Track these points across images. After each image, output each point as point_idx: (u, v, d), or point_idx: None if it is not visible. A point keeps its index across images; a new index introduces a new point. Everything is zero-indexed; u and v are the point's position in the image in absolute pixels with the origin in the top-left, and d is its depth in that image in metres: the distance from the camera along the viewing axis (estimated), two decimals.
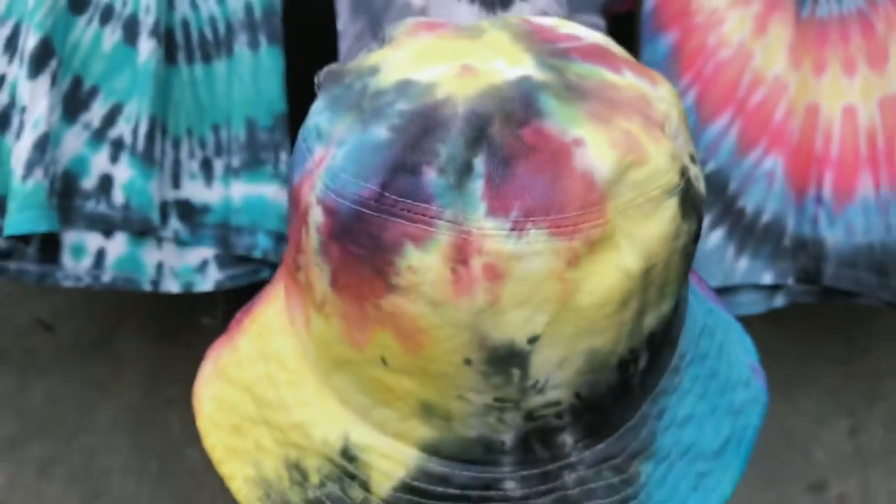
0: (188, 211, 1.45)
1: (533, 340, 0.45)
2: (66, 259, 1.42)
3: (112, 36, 1.39)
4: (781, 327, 2.05)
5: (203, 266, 1.46)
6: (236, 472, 0.53)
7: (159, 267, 1.45)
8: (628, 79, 0.48)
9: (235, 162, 1.45)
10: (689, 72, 1.44)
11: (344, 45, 1.40)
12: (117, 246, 1.42)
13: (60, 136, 1.38)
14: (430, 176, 0.44)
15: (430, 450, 0.49)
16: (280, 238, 1.46)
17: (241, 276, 1.48)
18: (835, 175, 1.43)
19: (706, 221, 1.44)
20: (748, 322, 2.04)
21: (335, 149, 0.46)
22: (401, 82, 0.47)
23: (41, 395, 2.04)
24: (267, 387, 0.53)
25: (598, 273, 0.45)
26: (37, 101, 1.33)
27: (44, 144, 1.34)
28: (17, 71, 1.36)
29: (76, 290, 2.01)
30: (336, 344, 0.48)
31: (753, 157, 1.43)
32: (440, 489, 0.49)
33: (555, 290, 0.44)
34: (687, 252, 0.48)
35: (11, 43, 1.36)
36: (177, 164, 1.45)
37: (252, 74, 1.45)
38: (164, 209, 1.44)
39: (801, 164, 1.43)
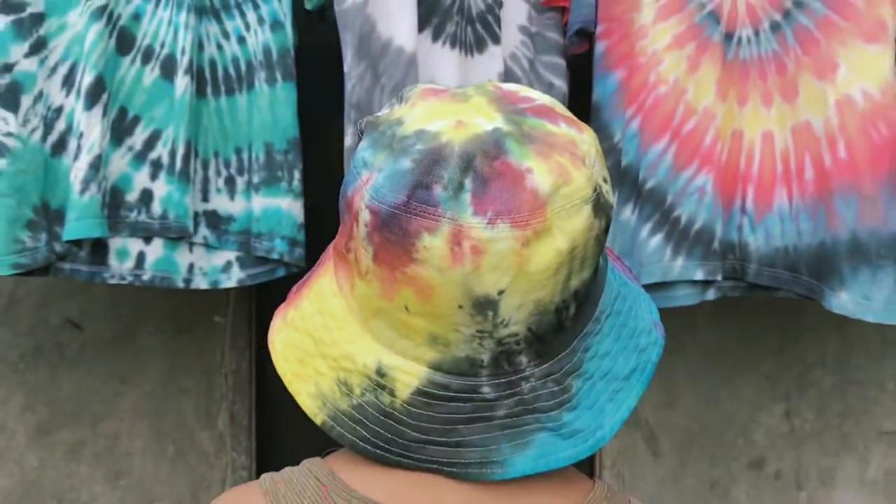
0: (215, 220, 1.58)
1: (501, 293, 0.65)
2: (112, 261, 1.54)
3: (151, 73, 1.53)
4: (722, 324, 2.09)
5: (228, 266, 1.59)
6: (301, 390, 0.72)
7: (190, 267, 1.57)
8: (563, 128, 0.69)
9: (255, 179, 1.58)
10: (633, 104, 1.56)
11: (349, 84, 1.54)
12: (155, 250, 1.55)
13: (109, 158, 1.51)
14: (438, 191, 0.64)
15: (435, 367, 0.68)
16: (293, 242, 1.58)
17: (260, 275, 1.60)
18: (756, 190, 1.54)
19: (647, 228, 1.56)
20: (692, 319, 2.06)
21: (377, 173, 0.67)
22: (418, 131, 0.67)
23: (70, 386, 2.06)
24: (323, 331, 0.73)
25: (541, 251, 0.66)
26: (92, 129, 1.48)
27: (97, 164, 1.48)
28: (73, 103, 1.50)
29: (102, 293, 2.03)
30: (374, 299, 0.69)
31: (687, 175, 1.53)
32: (442, 393, 0.69)
33: (514, 261, 0.65)
34: (599, 240, 0.69)
35: (68, 80, 1.51)
36: (206, 180, 1.57)
37: (269, 105, 1.57)
38: (195, 219, 1.56)
39: (728, 180, 1.55)
